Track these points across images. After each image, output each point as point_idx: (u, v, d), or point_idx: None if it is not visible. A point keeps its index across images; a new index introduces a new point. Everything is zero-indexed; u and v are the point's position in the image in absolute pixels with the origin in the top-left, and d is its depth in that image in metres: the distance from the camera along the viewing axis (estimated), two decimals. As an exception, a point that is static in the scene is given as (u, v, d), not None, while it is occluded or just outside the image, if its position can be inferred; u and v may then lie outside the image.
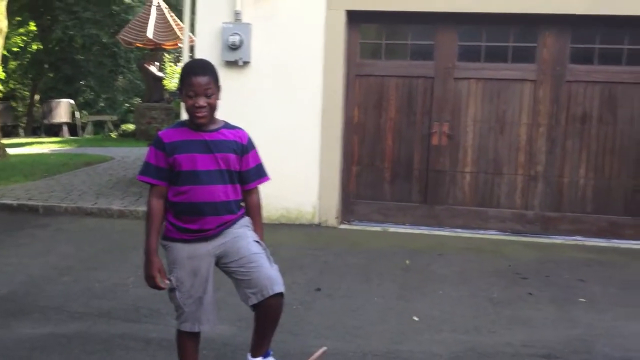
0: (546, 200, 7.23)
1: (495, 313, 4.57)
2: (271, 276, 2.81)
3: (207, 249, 2.87)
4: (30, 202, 7.98)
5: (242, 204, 2.99)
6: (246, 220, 2.98)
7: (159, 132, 2.94)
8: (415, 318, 4.40)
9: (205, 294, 2.87)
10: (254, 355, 2.97)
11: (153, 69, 17.75)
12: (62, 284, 5.02)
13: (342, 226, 7.42)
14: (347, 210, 7.57)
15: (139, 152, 13.67)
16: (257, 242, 2.91)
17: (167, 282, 2.87)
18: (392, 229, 7.32)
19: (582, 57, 7.14)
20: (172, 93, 18.57)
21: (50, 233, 6.86)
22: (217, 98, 2.86)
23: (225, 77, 7.48)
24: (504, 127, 7.27)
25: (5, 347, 3.75)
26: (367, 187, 7.56)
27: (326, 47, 7.24)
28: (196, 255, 2.86)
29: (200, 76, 2.79)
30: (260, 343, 2.95)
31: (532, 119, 7.20)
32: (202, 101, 2.78)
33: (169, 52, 22.48)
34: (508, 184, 7.29)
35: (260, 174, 3.01)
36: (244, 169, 2.93)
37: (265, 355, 2.98)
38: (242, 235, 2.89)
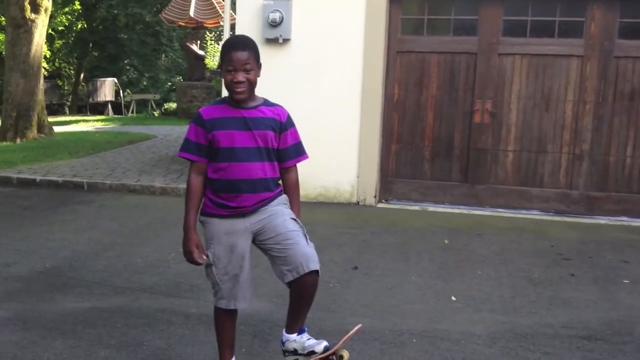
0: (591, 179, 7.06)
1: (536, 294, 4.50)
2: (307, 254, 2.80)
3: (244, 225, 2.88)
4: (75, 179, 8.16)
5: (280, 181, 2.98)
6: (283, 198, 2.97)
7: (200, 109, 2.94)
8: (453, 298, 4.36)
9: (241, 271, 2.88)
10: (288, 332, 2.98)
11: (195, 47, 17.89)
12: (106, 259, 5.14)
13: (380, 205, 7.39)
14: (386, 188, 7.53)
15: (181, 131, 13.83)
16: (293, 219, 2.90)
17: (205, 257, 2.89)
18: (431, 208, 7.26)
19: (632, 32, 6.90)
20: (213, 71, 18.69)
21: (94, 209, 7.01)
22: (256, 75, 2.84)
23: (265, 54, 7.47)
24: (549, 104, 7.10)
25: (50, 320, 3.86)
26: (407, 165, 7.50)
27: (367, 23, 7.16)
28: (233, 231, 2.87)
29: (239, 51, 2.78)
30: (295, 320, 2.96)
31: (578, 96, 7.01)
32: (240, 76, 2.77)
33: (210, 30, 22.61)
34: (552, 163, 7.14)
35: (298, 152, 2.98)
36: (282, 146, 2.91)
37: (300, 332, 2.99)
38: (279, 213, 2.89)
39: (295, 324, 2.96)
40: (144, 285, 4.55)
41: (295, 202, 3.00)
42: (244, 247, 2.88)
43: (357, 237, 5.96)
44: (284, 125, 2.91)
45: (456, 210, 7.19)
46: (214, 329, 3.07)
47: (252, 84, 2.83)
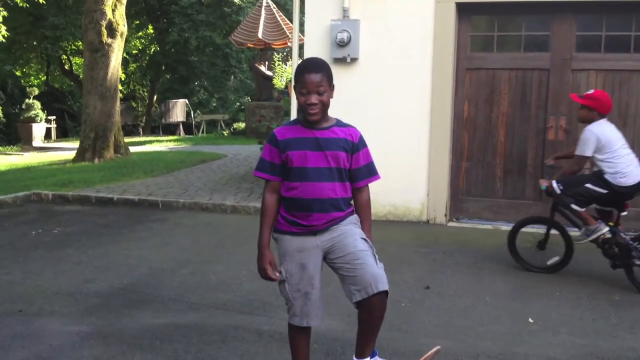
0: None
1: (617, 316, 4.33)
2: (375, 274, 2.79)
3: (315, 244, 2.91)
4: (150, 198, 8.41)
5: (352, 201, 3.00)
6: (354, 217, 2.99)
7: (274, 130, 3.00)
8: (531, 320, 4.24)
9: (312, 289, 2.91)
10: (359, 357, 2.95)
11: (263, 68, 18.21)
12: (181, 276, 5.25)
13: (451, 224, 7.29)
14: (456, 207, 7.42)
15: (250, 150, 14.07)
16: (363, 239, 2.92)
17: (278, 274, 2.94)
18: (504, 227, 7.08)
19: None
20: (281, 91, 18.96)
21: (169, 227, 7.19)
22: (329, 96, 2.88)
23: (334, 74, 7.56)
24: (627, 120, 6.86)
25: (129, 336, 3.96)
26: (478, 183, 7.38)
27: (435, 41, 7.13)
28: (304, 249, 2.91)
29: (312, 74, 2.83)
30: (365, 343, 2.93)
31: (657, 112, 6.75)
32: (314, 99, 2.82)
33: (278, 51, 22.98)
34: (631, 181, 6.86)
35: (370, 172, 3.00)
36: (354, 167, 2.94)
37: (372, 355, 2.97)
38: (349, 232, 2.91)
39: (365, 348, 2.94)
40: (217, 302, 4.62)
41: (366, 222, 3.02)
42: (315, 265, 2.92)
43: (428, 256, 5.88)
44: (356, 145, 2.94)
45: (530, 229, 6.97)
46: (287, 347, 3.09)
47: (325, 106, 2.87)
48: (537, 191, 7.13)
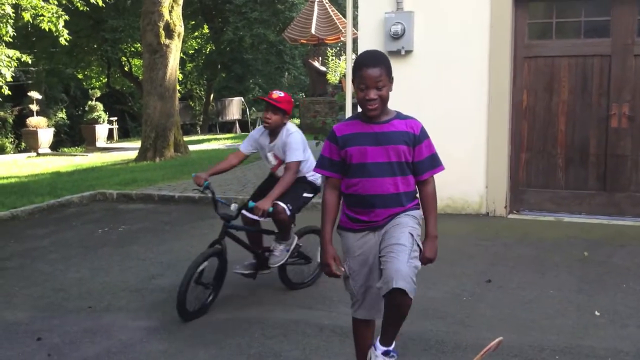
0: None
1: (689, 309, 4.18)
2: (399, 270, 2.66)
3: (375, 240, 2.89)
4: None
5: (417, 195, 2.96)
6: (417, 212, 2.93)
7: (334, 126, 2.99)
8: (597, 312, 4.14)
9: (374, 283, 2.89)
10: (381, 343, 2.87)
11: (316, 64, 18.26)
12: (241, 272, 5.33)
13: (511, 216, 7.16)
14: (517, 199, 7.28)
15: (306, 145, 14.11)
16: (411, 234, 2.80)
17: (342, 269, 2.94)
18: (567, 218, 6.93)
19: None
20: (335, 86, 18.97)
21: (229, 224, 7.30)
22: (388, 90, 2.83)
23: (388, 67, 7.55)
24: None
25: (193, 330, 4.07)
26: (538, 174, 7.22)
27: (492, 29, 7.01)
28: (365, 245, 2.91)
29: (371, 68, 2.78)
30: (385, 332, 2.85)
31: None
32: (372, 94, 2.77)
33: (331, 46, 22.99)
34: (701, 168, 6.61)
35: (434, 164, 2.93)
36: (417, 159, 2.88)
37: (387, 353, 2.85)
38: (401, 224, 2.85)
39: (385, 336, 2.87)
40: (277, 297, 4.68)
41: (431, 214, 2.94)
42: (376, 261, 2.89)
43: (488, 249, 5.80)
44: (417, 137, 2.88)
45: (594, 220, 6.82)
46: (348, 341, 3.12)
47: (384, 100, 2.83)
48: (600, 181, 6.94)
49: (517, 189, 7.27)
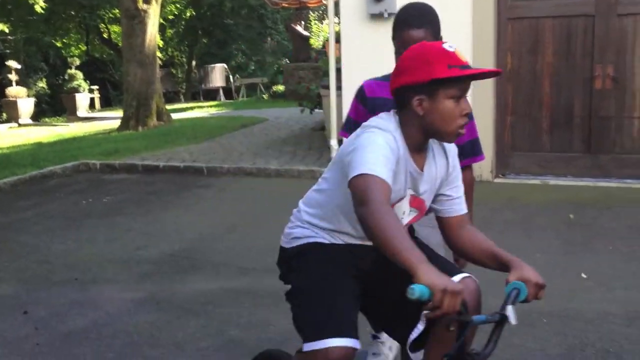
0: None
1: (674, 270, 4.23)
2: None
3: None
4: (195, 164, 8.50)
5: None
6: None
7: (364, 82, 2.47)
8: (584, 275, 4.18)
9: None
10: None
11: (299, 28, 18.04)
12: (229, 241, 5.32)
13: (498, 180, 7.18)
14: (502, 163, 7.29)
15: (290, 112, 14.04)
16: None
17: None
18: (553, 181, 6.96)
19: None
20: (318, 51, 18.78)
21: (214, 193, 7.27)
22: None
23: (371, 30, 7.48)
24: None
25: (182, 301, 4.06)
26: (524, 138, 7.22)
27: (476, -8, 6.92)
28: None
29: (414, 29, 2.24)
30: None
31: None
32: None
33: (313, 10, 22.68)
34: (685, 129, 6.64)
35: (475, 150, 2.49)
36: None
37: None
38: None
39: None
40: (267, 266, 4.64)
41: (469, 206, 2.29)
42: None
43: (475, 214, 5.72)
44: None
45: (580, 182, 6.85)
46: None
47: None
48: (585, 143, 6.95)
49: (502, 153, 7.27)
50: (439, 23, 2.28)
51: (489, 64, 6.97)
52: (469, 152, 2.46)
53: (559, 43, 6.95)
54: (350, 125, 2.40)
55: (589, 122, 6.92)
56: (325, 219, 2.05)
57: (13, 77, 18.22)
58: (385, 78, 2.36)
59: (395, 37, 2.30)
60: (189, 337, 3.53)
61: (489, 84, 7.00)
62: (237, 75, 23.92)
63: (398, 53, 2.25)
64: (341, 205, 1.96)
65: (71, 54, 25.84)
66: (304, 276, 2.07)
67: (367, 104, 2.37)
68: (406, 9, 2.34)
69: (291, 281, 2.15)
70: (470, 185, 2.43)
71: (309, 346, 1.86)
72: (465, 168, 2.40)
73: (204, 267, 4.69)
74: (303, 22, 18.56)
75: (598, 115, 6.88)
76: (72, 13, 23.24)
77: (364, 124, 1.91)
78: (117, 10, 19.43)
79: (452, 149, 2.04)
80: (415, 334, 1.85)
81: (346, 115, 2.51)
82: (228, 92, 22.79)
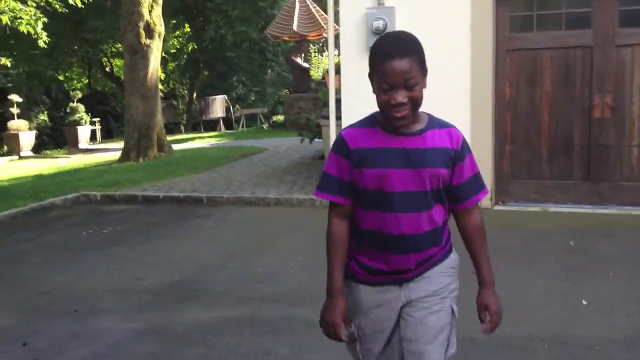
0: None
1: (675, 296, 4.21)
2: None
3: (398, 296, 2.12)
4: (195, 194, 8.52)
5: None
6: (452, 260, 2.23)
7: (342, 132, 2.10)
8: (584, 301, 4.16)
9: (386, 346, 2.19)
10: None
11: (299, 60, 18.23)
12: (229, 270, 5.31)
13: (497, 207, 7.19)
14: (502, 190, 7.31)
15: (290, 142, 14.11)
16: (450, 307, 2.21)
17: (350, 329, 2.18)
18: (552, 208, 6.97)
19: None
20: (318, 83, 18.97)
21: (214, 222, 7.28)
22: (422, 87, 2.00)
23: (371, 63, 7.50)
24: (674, 94, 6.64)
25: (181, 331, 4.04)
26: (523, 166, 7.25)
27: (473, 24, 7.02)
28: (384, 303, 2.12)
29: (396, 60, 1.92)
30: None
31: None
32: (401, 96, 1.94)
33: (313, 42, 22.95)
34: (683, 156, 6.67)
35: (478, 186, 2.14)
36: (456, 182, 2.09)
37: None
38: (437, 310, 2.16)
39: None
40: (265, 295, 4.66)
41: (483, 255, 2.24)
42: (393, 321, 2.16)
43: (475, 242, 5.80)
44: (459, 153, 2.07)
45: (580, 209, 6.86)
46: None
47: (416, 104, 1.98)
48: (584, 171, 6.97)
49: (501, 181, 7.29)
50: (423, 51, 2.02)
51: (488, 94, 7.05)
52: (473, 189, 2.14)
53: (558, 73, 7.02)
54: (332, 184, 2.06)
55: (588, 150, 6.95)
56: None
57: (15, 110, 18.37)
58: (367, 123, 2.08)
59: (375, 71, 1.98)
60: (188, 366, 3.51)
61: (488, 113, 7.06)
62: (237, 106, 24.12)
63: (380, 90, 1.96)
64: None
65: (73, 87, 26.10)
66: None
67: (351, 157, 2.03)
68: (386, 39, 2.03)
69: None
70: (480, 228, 2.20)
71: None
72: (471, 209, 2.17)
73: (203, 297, 4.67)
74: (303, 55, 18.74)
75: (597, 144, 6.91)
76: (75, 47, 23.55)
77: None
78: (120, 45, 19.70)
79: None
80: None
81: (322, 172, 2.13)
82: (228, 122, 22.95)
